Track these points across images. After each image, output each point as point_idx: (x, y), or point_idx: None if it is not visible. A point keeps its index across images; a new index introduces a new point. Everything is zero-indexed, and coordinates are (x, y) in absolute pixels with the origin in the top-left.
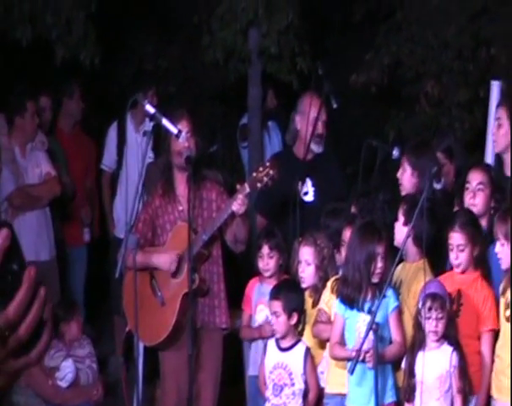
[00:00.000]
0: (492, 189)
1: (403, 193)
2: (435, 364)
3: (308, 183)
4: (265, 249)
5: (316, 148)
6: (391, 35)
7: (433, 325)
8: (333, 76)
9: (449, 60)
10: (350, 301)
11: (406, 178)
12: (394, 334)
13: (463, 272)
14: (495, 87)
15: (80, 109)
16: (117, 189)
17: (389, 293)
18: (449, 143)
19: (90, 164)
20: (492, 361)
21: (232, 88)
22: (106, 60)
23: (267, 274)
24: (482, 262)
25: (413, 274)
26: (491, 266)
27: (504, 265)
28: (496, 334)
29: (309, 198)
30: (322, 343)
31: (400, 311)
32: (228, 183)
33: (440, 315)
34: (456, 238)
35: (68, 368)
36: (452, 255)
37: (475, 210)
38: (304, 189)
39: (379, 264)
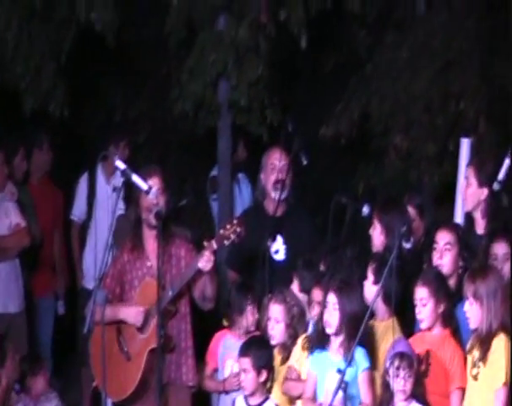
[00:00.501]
0: (459, 247)
1: (374, 250)
2: None
3: (279, 240)
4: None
5: (276, 195)
6: (360, 88)
7: (400, 384)
8: (302, 127)
9: (418, 114)
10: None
11: (376, 236)
12: (364, 396)
13: (429, 329)
14: (465, 144)
15: (49, 159)
16: (87, 240)
17: (360, 352)
18: (421, 200)
19: (58, 214)
20: None
21: (201, 139)
22: (74, 111)
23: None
24: (450, 320)
25: (382, 333)
26: (459, 324)
27: (473, 324)
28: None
29: (280, 256)
30: (290, 400)
31: (370, 373)
32: (196, 239)
33: (408, 374)
34: (419, 292)
35: None
36: (416, 310)
37: (443, 270)
38: (275, 247)
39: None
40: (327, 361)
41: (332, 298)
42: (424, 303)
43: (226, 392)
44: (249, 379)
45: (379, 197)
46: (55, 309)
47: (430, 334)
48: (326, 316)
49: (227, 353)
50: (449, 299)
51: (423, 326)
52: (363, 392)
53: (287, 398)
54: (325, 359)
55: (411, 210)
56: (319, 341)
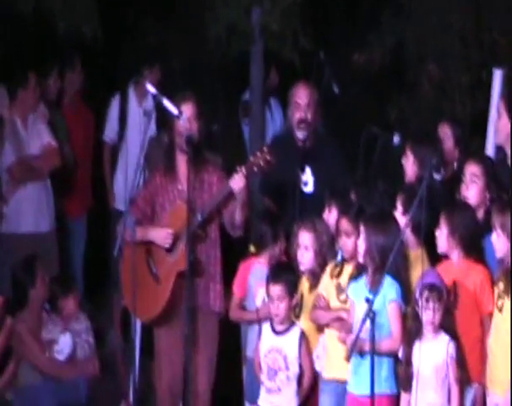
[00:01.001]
0: (487, 180)
1: (406, 180)
2: (432, 354)
3: (308, 171)
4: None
5: (300, 134)
6: (394, 17)
7: (430, 315)
8: (335, 56)
9: (452, 44)
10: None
11: (409, 166)
12: (391, 327)
13: (447, 257)
14: (498, 75)
15: (81, 80)
16: (118, 161)
17: (389, 281)
18: (460, 131)
19: (89, 134)
20: None
21: (234, 64)
22: (107, 35)
23: None
24: (473, 248)
25: (411, 263)
26: (486, 255)
27: (499, 253)
28: None
29: (309, 189)
30: (318, 328)
31: (398, 303)
32: (227, 166)
33: (437, 306)
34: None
35: (66, 342)
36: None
37: (469, 201)
38: (304, 179)
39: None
40: (361, 291)
41: (362, 228)
42: (440, 228)
43: (259, 321)
44: (283, 306)
45: (411, 126)
46: (86, 231)
47: (454, 263)
48: (358, 246)
49: (259, 283)
50: (470, 228)
51: (439, 250)
52: (391, 323)
53: (315, 326)
54: (360, 288)
55: (447, 134)
56: (356, 271)
